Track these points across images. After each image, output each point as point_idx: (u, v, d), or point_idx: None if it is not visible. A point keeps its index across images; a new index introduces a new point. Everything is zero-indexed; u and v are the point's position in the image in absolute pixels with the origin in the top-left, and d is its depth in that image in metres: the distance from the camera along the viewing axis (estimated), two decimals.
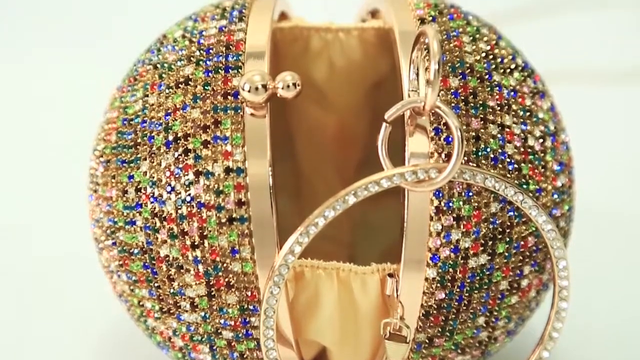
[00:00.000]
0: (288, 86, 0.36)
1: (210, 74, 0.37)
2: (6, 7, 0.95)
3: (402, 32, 0.38)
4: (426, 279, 0.36)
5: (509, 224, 0.36)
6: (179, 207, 0.36)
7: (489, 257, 0.36)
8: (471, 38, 0.39)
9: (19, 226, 0.60)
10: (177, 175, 0.36)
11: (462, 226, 0.36)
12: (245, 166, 0.36)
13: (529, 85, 0.39)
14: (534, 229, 0.37)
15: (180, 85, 0.38)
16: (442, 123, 0.36)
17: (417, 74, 0.35)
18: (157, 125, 0.37)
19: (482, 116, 0.37)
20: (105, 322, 0.49)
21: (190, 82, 0.38)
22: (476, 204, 0.36)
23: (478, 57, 0.38)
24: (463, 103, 0.37)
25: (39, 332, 0.49)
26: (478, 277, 0.36)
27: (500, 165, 0.36)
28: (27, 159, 0.70)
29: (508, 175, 0.37)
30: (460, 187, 0.36)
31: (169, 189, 0.36)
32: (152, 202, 0.37)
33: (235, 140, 0.36)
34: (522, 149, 0.37)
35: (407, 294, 0.36)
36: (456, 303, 0.37)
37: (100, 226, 0.39)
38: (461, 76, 0.37)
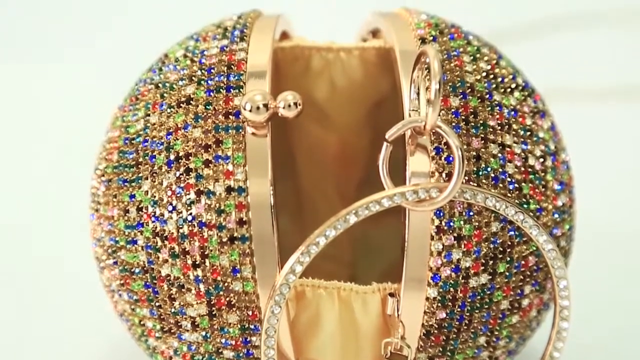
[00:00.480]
0: (289, 105, 0.36)
1: (211, 93, 0.37)
2: (6, 7, 0.96)
3: (403, 52, 0.38)
4: (427, 299, 0.36)
5: (509, 243, 0.36)
6: (180, 226, 0.36)
7: (490, 277, 0.36)
8: (472, 58, 0.39)
9: (20, 226, 0.60)
10: (178, 195, 0.36)
11: (462, 245, 0.36)
12: (246, 185, 0.36)
13: (530, 104, 0.40)
14: (534, 248, 0.37)
15: (181, 104, 0.38)
16: (442, 142, 0.36)
17: (418, 94, 0.36)
18: (158, 145, 0.37)
19: (482, 135, 0.37)
20: (106, 341, 0.49)
21: (191, 102, 0.38)
22: (477, 224, 0.36)
23: (478, 77, 0.38)
24: (464, 122, 0.37)
25: (38, 354, 0.49)
26: (479, 297, 0.36)
27: (500, 185, 0.37)
28: (27, 158, 0.70)
29: (509, 194, 0.37)
30: (461, 206, 0.36)
31: (170, 208, 0.36)
32: (153, 222, 0.37)
33: (237, 159, 0.36)
34: (522, 169, 0.37)
35: (408, 314, 0.36)
36: (457, 322, 0.37)
37: (102, 245, 0.39)
38: (462, 96, 0.37)
